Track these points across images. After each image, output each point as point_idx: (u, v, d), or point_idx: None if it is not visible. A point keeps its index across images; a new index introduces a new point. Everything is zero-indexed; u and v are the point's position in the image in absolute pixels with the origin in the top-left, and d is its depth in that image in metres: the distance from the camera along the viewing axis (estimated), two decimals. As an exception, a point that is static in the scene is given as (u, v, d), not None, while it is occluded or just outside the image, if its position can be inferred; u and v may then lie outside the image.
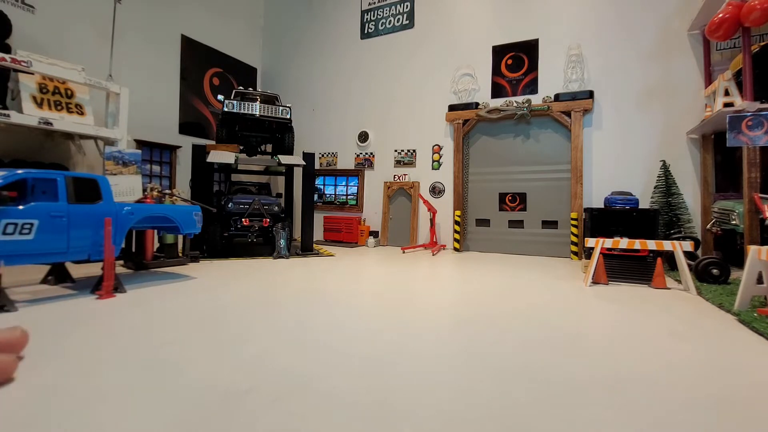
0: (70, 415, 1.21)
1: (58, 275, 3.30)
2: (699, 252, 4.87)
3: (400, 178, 7.23)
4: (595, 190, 5.69)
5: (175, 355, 1.75)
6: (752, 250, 2.40)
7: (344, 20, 8.02)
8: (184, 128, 7.18)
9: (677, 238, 4.70)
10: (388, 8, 7.58)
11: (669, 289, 3.27)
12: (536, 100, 6.08)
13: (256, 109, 5.71)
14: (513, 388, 1.31)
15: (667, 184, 5.08)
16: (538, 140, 6.12)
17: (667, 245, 3.27)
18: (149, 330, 2.10)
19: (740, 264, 3.32)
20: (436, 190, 6.89)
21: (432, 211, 6.41)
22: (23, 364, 1.59)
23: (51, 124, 4.23)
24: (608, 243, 3.46)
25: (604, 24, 5.77)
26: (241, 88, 6.25)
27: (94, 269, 3.74)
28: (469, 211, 6.62)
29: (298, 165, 5.81)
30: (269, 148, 6.39)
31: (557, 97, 5.83)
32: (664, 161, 5.16)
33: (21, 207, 2.56)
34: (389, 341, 1.90)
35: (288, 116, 5.95)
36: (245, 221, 5.26)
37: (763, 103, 3.71)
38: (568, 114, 5.79)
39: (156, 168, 6.73)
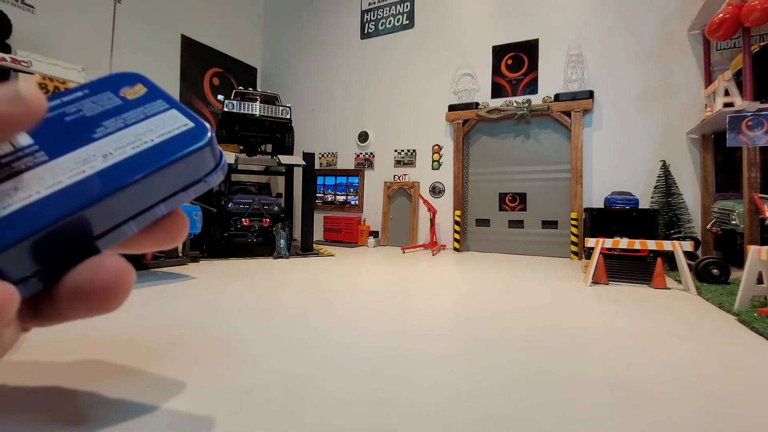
0: (69, 411, 1.21)
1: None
2: (699, 252, 4.87)
3: (400, 178, 7.23)
4: (595, 190, 5.70)
5: (172, 354, 1.75)
6: (752, 250, 2.40)
7: (344, 20, 8.03)
8: (184, 128, 7.19)
9: (677, 238, 4.70)
10: (388, 8, 7.58)
11: (669, 289, 3.28)
12: (536, 100, 6.08)
13: (256, 109, 5.71)
14: (514, 389, 1.30)
15: (667, 184, 5.08)
16: (538, 140, 6.12)
17: (667, 245, 3.27)
18: (149, 330, 2.10)
19: (740, 264, 3.32)
20: (436, 190, 6.89)
21: (432, 211, 6.41)
22: (22, 364, 1.59)
23: (51, 124, 4.23)
24: (608, 243, 3.46)
25: (604, 24, 5.78)
26: (241, 88, 6.25)
27: (94, 269, 3.73)
28: (469, 211, 6.62)
29: (298, 165, 5.81)
30: (269, 148, 6.40)
31: (557, 97, 5.83)
32: (664, 161, 5.16)
33: (21, 207, 2.56)
34: (389, 341, 1.90)
35: (288, 116, 5.95)
36: (245, 221, 5.26)
37: (763, 103, 3.71)
38: (568, 114, 5.79)
39: (156, 168, 6.74)
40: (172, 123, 0.49)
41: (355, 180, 7.72)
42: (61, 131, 0.45)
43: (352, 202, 7.70)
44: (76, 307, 0.42)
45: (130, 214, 0.46)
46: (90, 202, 0.41)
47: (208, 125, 0.51)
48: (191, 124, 0.50)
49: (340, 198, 7.87)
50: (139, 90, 0.52)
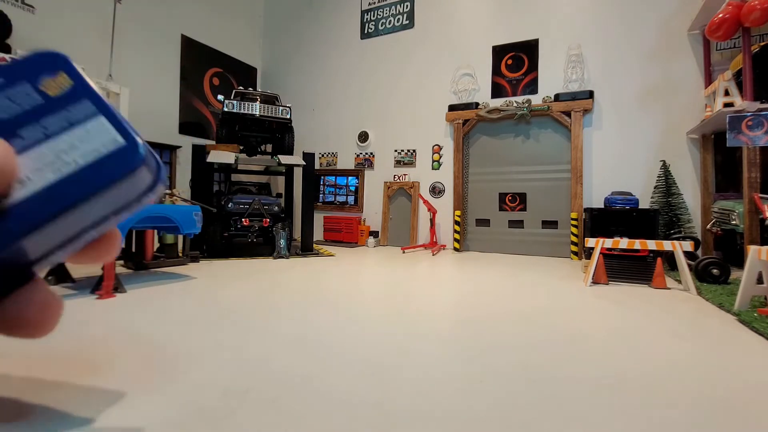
0: (69, 412, 1.21)
1: (59, 275, 3.30)
2: (699, 252, 4.87)
3: (400, 178, 7.23)
4: (595, 190, 5.70)
5: (174, 354, 1.75)
6: (752, 250, 2.40)
7: (344, 20, 8.03)
8: (184, 128, 7.19)
9: (677, 238, 4.70)
10: (388, 8, 7.58)
11: (669, 289, 3.27)
12: (536, 100, 6.08)
13: (256, 109, 5.71)
14: (514, 389, 1.30)
15: (667, 184, 5.08)
16: (538, 140, 6.12)
17: (667, 245, 3.27)
18: (149, 330, 2.10)
19: (740, 264, 3.32)
20: (436, 190, 6.89)
21: (432, 211, 6.41)
22: (20, 364, 1.59)
23: (51, 124, 4.23)
24: (608, 243, 3.46)
25: (604, 24, 5.78)
26: (241, 88, 6.25)
27: (94, 269, 3.74)
28: (469, 211, 6.62)
29: (298, 165, 5.81)
30: (269, 148, 6.40)
31: (557, 97, 5.83)
32: (664, 161, 5.16)
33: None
34: (389, 341, 1.90)
35: (288, 116, 5.95)
36: (245, 221, 5.26)
37: (763, 103, 3.71)
38: (568, 114, 5.79)
39: (156, 168, 6.74)
40: (100, 138, 0.42)
41: (355, 180, 7.72)
42: None
43: (352, 202, 7.71)
44: (9, 332, 0.46)
45: (55, 243, 0.42)
46: (6, 243, 0.37)
47: (140, 139, 0.44)
48: (121, 141, 0.42)
49: (340, 198, 7.87)
50: (63, 82, 0.44)
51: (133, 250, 4.10)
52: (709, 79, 4.98)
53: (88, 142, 0.42)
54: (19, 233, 0.38)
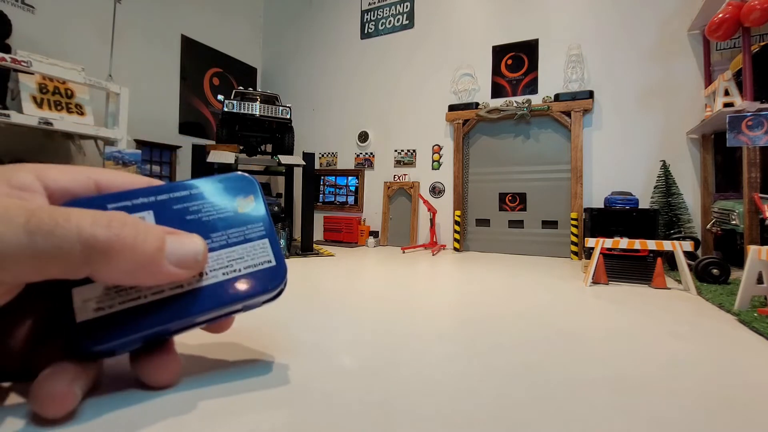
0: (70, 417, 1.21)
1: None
2: (699, 252, 4.87)
3: (400, 178, 7.23)
4: (595, 190, 5.70)
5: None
6: (752, 250, 2.40)
7: (344, 20, 8.03)
8: (184, 128, 7.19)
9: (677, 238, 4.70)
10: (388, 8, 7.58)
11: (669, 289, 3.28)
12: (536, 100, 6.08)
13: (256, 109, 5.71)
14: (514, 389, 1.30)
15: (667, 184, 5.08)
16: (538, 140, 6.12)
17: (667, 245, 3.27)
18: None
19: (740, 264, 3.33)
20: (436, 190, 6.89)
21: (432, 211, 6.41)
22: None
23: (51, 124, 4.23)
24: (608, 243, 3.46)
25: (604, 24, 5.78)
26: (241, 88, 6.25)
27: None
28: (469, 211, 6.62)
29: (298, 165, 5.81)
30: (269, 148, 6.40)
31: (557, 97, 5.83)
32: (664, 161, 5.16)
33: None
34: (389, 341, 1.90)
35: (288, 116, 5.95)
36: (245, 221, 5.25)
37: (763, 103, 3.71)
38: (568, 114, 5.79)
39: (156, 168, 6.74)
40: (260, 256, 0.54)
41: (355, 180, 7.72)
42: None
43: (352, 202, 7.71)
44: (145, 381, 0.64)
45: (199, 322, 0.53)
46: (176, 319, 0.48)
47: (286, 265, 0.57)
48: (274, 263, 0.56)
49: (340, 198, 7.87)
50: (249, 204, 0.56)
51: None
52: (709, 79, 4.98)
53: (252, 256, 0.54)
54: (187, 315, 0.48)
